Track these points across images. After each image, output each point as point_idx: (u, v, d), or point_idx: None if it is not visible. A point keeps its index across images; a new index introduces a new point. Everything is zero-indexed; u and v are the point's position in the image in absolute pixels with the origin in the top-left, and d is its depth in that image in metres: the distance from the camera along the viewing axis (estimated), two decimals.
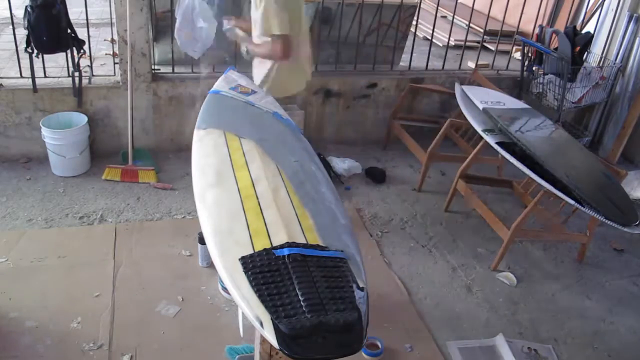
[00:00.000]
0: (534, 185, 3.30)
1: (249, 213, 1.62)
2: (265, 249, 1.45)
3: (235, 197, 1.70)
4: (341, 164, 3.80)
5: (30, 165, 3.57)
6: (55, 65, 3.66)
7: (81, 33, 3.43)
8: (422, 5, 4.38)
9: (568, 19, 4.77)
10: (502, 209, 3.57)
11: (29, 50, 3.27)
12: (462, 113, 3.45)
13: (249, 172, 1.83)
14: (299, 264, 1.41)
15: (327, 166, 3.73)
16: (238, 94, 2.41)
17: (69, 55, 3.41)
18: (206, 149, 1.99)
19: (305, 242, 1.51)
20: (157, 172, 3.56)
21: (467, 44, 4.54)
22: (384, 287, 2.81)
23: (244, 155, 1.95)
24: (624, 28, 4.35)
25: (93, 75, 3.64)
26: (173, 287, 2.63)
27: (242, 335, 1.55)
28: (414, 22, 4.45)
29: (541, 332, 2.64)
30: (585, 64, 4.28)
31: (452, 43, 4.63)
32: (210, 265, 2.77)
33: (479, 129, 3.22)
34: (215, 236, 1.55)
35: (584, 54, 4.27)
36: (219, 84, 2.51)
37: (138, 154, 3.64)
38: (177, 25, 3.41)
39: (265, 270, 1.38)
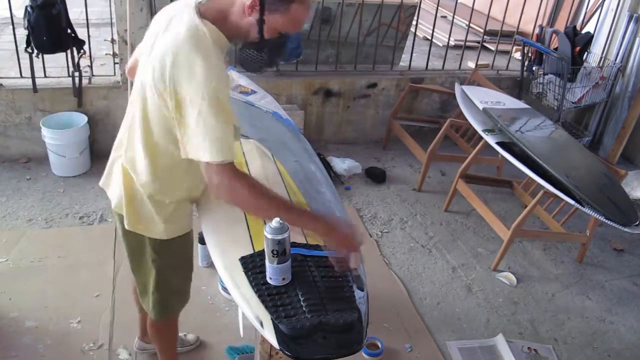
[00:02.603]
0: (534, 185, 3.30)
1: None
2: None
3: None
4: (341, 164, 3.80)
5: (30, 165, 3.56)
6: (55, 65, 3.65)
7: (81, 33, 3.42)
8: (422, 5, 4.38)
9: (568, 19, 4.77)
10: (502, 209, 3.57)
11: (29, 50, 3.27)
12: (462, 113, 3.46)
13: (249, 172, 1.83)
14: (299, 264, 1.41)
15: (327, 166, 3.73)
16: (238, 94, 2.41)
17: (69, 55, 3.41)
18: None
19: (305, 242, 1.51)
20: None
21: (467, 44, 4.54)
22: (384, 287, 2.81)
23: (244, 155, 1.95)
24: (624, 28, 4.34)
25: (93, 75, 3.63)
26: None
27: (242, 335, 1.55)
28: (414, 22, 4.45)
29: (541, 332, 2.64)
30: (585, 64, 4.28)
31: (452, 43, 4.63)
32: (210, 265, 2.76)
33: (479, 129, 3.22)
34: (216, 236, 1.55)
35: (584, 54, 4.27)
36: None
37: None
38: None
39: (266, 270, 1.38)
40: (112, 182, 1.70)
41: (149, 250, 1.69)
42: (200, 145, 1.35)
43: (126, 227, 1.64)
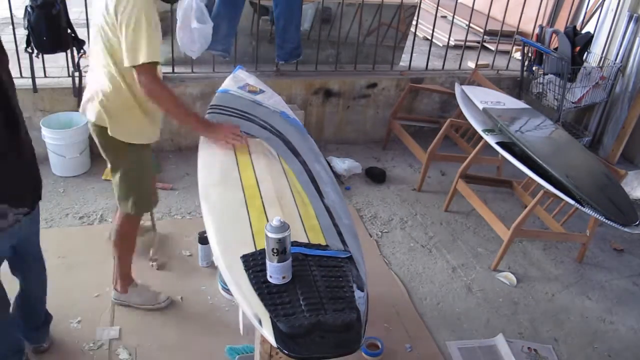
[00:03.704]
0: (534, 185, 3.31)
1: (253, 212, 1.63)
2: None
3: (239, 195, 1.71)
4: (341, 164, 3.80)
5: None
6: (55, 65, 3.65)
7: (81, 33, 3.42)
8: (422, 5, 4.38)
9: (568, 19, 4.77)
10: (502, 209, 3.57)
11: (29, 50, 3.26)
12: (462, 113, 3.46)
13: (254, 171, 1.84)
14: (300, 263, 1.41)
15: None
16: (246, 93, 2.41)
17: (69, 55, 3.41)
18: (212, 146, 1.99)
19: (307, 241, 1.51)
20: (157, 172, 3.56)
21: (467, 44, 4.54)
22: (384, 287, 2.80)
23: (250, 154, 1.96)
24: (624, 28, 4.35)
25: None
26: (173, 287, 2.63)
27: (242, 334, 1.55)
28: (414, 22, 4.45)
29: (541, 332, 2.64)
30: (585, 64, 4.28)
31: (452, 43, 4.63)
32: (210, 265, 2.77)
33: (479, 129, 3.22)
34: (218, 234, 1.55)
35: (584, 54, 4.27)
36: (228, 83, 2.52)
37: None
38: (177, 25, 3.41)
39: (266, 269, 1.38)
40: (90, 106, 2.19)
41: (129, 154, 2.17)
42: (137, 51, 1.88)
43: (109, 133, 2.11)
